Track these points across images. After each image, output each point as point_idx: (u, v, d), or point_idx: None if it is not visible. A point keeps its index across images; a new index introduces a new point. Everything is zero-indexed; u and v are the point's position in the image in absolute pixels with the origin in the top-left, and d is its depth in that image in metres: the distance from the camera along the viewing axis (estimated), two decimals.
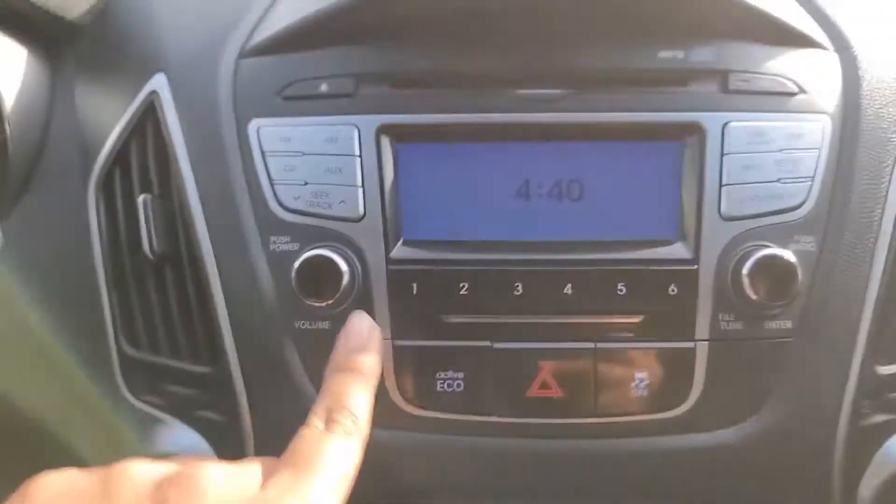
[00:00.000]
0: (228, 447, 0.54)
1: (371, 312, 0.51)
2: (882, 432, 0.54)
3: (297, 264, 0.50)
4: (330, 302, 0.50)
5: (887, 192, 0.52)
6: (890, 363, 0.54)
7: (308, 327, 0.52)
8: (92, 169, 0.57)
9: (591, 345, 0.51)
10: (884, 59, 0.55)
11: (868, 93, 0.53)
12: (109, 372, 0.57)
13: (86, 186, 0.57)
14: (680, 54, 0.53)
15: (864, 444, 0.53)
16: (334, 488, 0.42)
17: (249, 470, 0.42)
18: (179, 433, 0.54)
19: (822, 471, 0.53)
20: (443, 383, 0.52)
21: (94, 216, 0.57)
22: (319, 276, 0.49)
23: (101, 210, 0.57)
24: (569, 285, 0.51)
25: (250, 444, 0.53)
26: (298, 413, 0.51)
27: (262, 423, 0.53)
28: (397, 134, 0.53)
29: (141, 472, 0.40)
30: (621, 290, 0.51)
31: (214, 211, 0.53)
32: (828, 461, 0.53)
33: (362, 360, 0.48)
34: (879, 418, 0.54)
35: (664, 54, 0.53)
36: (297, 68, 0.54)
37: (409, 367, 0.52)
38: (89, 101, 0.60)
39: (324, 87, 0.54)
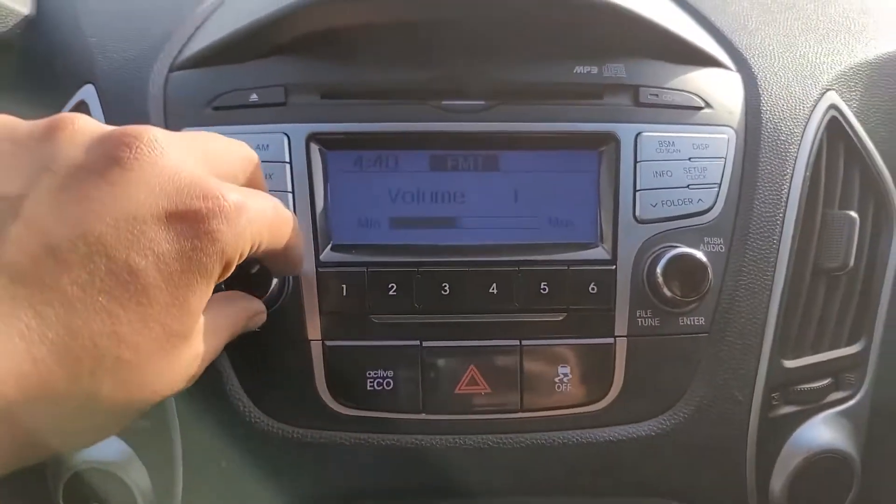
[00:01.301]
0: (156, 454, 0.53)
1: (301, 313, 0.52)
2: (790, 423, 0.57)
3: None
4: (261, 301, 0.50)
5: (787, 197, 0.56)
6: (796, 357, 0.57)
7: None
8: None
9: (516, 342, 0.53)
10: (779, 78, 0.59)
11: (767, 108, 0.58)
12: None
13: None
14: (594, 69, 0.57)
15: (775, 434, 0.57)
16: None
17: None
18: (104, 441, 0.53)
19: (736, 461, 0.56)
20: (373, 382, 0.52)
21: None
22: (248, 277, 0.50)
23: None
24: (494, 285, 0.53)
25: (178, 450, 0.52)
26: (227, 417, 0.51)
27: (189, 428, 0.52)
28: (326, 142, 0.54)
29: (88, 123, 0.39)
30: (544, 290, 0.53)
31: None
32: (742, 451, 0.56)
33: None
34: (787, 410, 0.57)
35: (579, 69, 0.57)
36: (227, 80, 0.56)
37: (339, 366, 0.52)
38: (16, 112, 0.59)
39: (254, 98, 0.55)
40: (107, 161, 0.37)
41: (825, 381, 0.58)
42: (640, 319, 0.53)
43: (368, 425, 0.53)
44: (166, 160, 0.39)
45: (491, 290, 0.53)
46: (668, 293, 0.52)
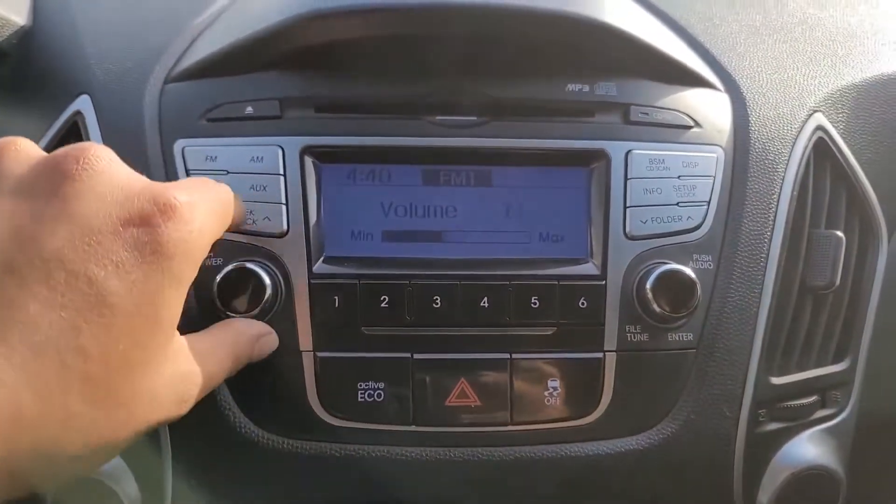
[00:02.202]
0: (146, 463, 0.53)
1: (294, 324, 0.52)
2: (777, 439, 0.58)
3: (219, 276, 0.50)
4: (254, 312, 0.50)
5: (775, 216, 0.57)
6: (782, 374, 0.58)
7: None
8: None
9: (506, 355, 0.53)
10: (767, 99, 0.60)
11: (756, 129, 0.59)
12: None
13: None
14: (586, 88, 0.58)
15: (761, 450, 0.57)
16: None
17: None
18: None
19: (724, 476, 0.56)
20: (364, 394, 0.53)
21: None
22: (241, 287, 0.50)
23: None
24: (485, 299, 0.53)
25: (168, 460, 0.52)
26: (218, 427, 0.51)
27: (180, 439, 0.52)
28: (320, 155, 0.55)
29: (30, 145, 0.40)
30: (535, 304, 0.53)
31: None
32: (729, 467, 0.56)
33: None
34: (774, 426, 0.57)
35: (571, 87, 0.58)
36: (222, 92, 0.56)
37: (330, 378, 0.53)
38: (9, 121, 0.60)
39: (249, 110, 0.55)
40: (56, 176, 0.37)
41: (811, 399, 0.58)
42: (629, 335, 0.54)
43: (359, 437, 0.53)
44: (114, 170, 0.39)
45: (482, 304, 0.53)
46: (657, 309, 0.53)
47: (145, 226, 0.38)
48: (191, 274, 0.40)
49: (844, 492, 0.58)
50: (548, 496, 0.55)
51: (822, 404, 0.59)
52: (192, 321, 0.49)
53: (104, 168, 0.39)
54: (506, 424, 0.53)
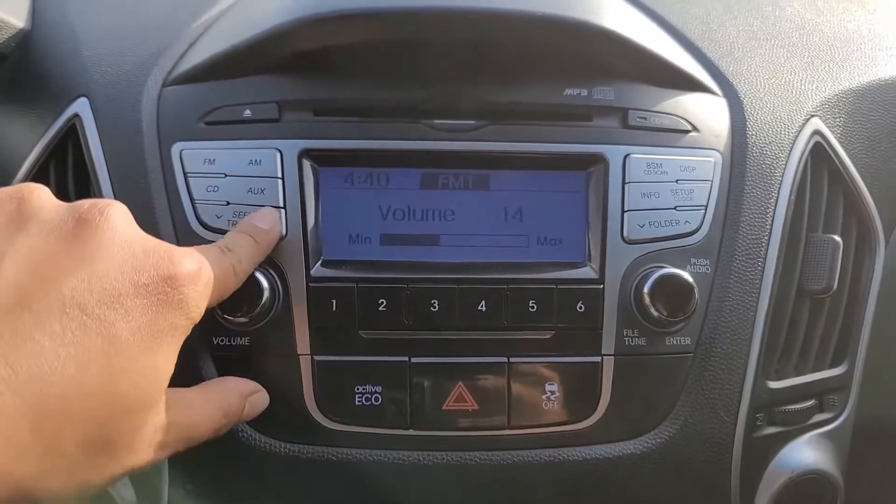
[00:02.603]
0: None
1: (291, 328, 0.52)
2: (775, 443, 0.58)
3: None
4: (252, 315, 0.50)
5: (772, 220, 0.57)
6: (780, 378, 0.58)
7: (226, 343, 0.52)
8: None
9: (504, 359, 0.53)
10: (765, 104, 0.60)
11: (753, 133, 0.59)
12: None
13: None
14: (584, 92, 0.58)
15: (759, 454, 0.57)
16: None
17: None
18: None
19: (721, 480, 0.56)
20: (361, 397, 0.53)
21: None
22: (239, 291, 0.50)
23: None
24: (483, 303, 0.53)
25: (165, 463, 0.52)
26: None
27: None
28: (318, 158, 0.55)
29: (50, 193, 0.42)
30: (532, 308, 0.53)
31: None
32: (726, 471, 0.56)
33: (261, 229, 0.51)
34: (771, 430, 0.58)
35: (570, 91, 0.58)
36: (220, 95, 0.56)
37: (328, 381, 0.53)
38: (7, 123, 0.60)
39: (247, 113, 0.55)
40: (78, 223, 0.40)
41: (809, 403, 0.58)
42: (626, 339, 0.54)
43: (356, 440, 0.53)
44: (131, 227, 0.42)
45: (479, 308, 0.53)
46: (654, 313, 0.53)
47: (156, 279, 0.40)
48: (185, 329, 0.43)
49: (842, 496, 0.58)
50: (545, 500, 0.55)
51: (820, 408, 0.59)
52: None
53: (123, 223, 0.41)
54: (503, 428, 0.53)
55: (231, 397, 0.49)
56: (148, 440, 0.41)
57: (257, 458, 0.51)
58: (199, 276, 0.43)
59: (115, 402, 0.38)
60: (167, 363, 0.41)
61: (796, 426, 0.58)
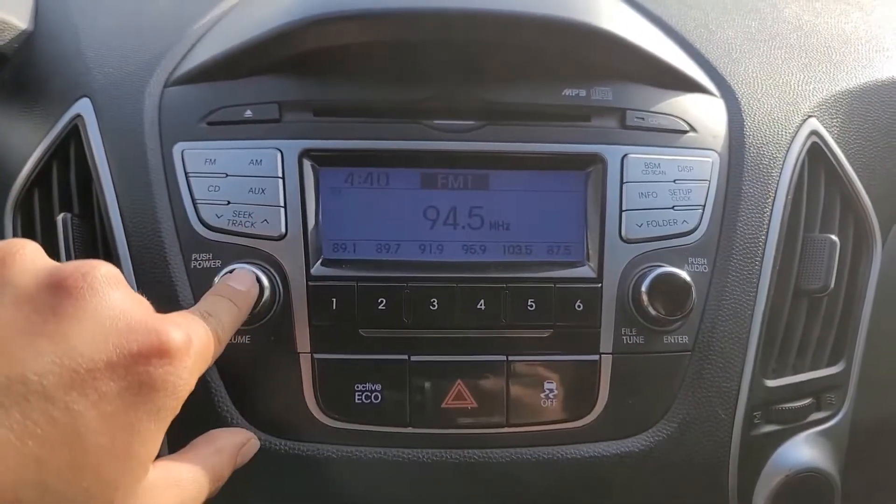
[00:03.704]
0: None
1: (291, 326, 0.53)
2: (772, 442, 0.58)
3: (217, 277, 0.51)
4: (252, 314, 0.51)
5: (769, 220, 0.57)
6: (777, 377, 0.58)
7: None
8: (10, 189, 0.58)
9: (503, 357, 0.54)
10: (762, 104, 0.61)
11: (750, 133, 0.59)
12: None
13: (2, 206, 0.57)
14: (582, 93, 0.58)
15: (756, 453, 0.57)
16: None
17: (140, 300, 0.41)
18: None
19: (719, 478, 0.56)
20: (361, 395, 0.53)
21: (11, 236, 0.57)
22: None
23: (19, 230, 0.57)
24: (482, 301, 0.53)
25: None
26: (215, 427, 0.51)
27: (177, 439, 0.52)
28: (319, 158, 0.55)
29: (38, 252, 0.38)
30: (531, 307, 0.54)
31: (135, 229, 0.54)
32: (724, 469, 0.56)
33: (238, 292, 0.49)
34: (769, 428, 0.58)
35: (568, 92, 0.58)
36: (221, 96, 0.57)
37: (328, 379, 0.53)
38: (9, 124, 0.60)
39: (248, 114, 0.56)
40: (58, 291, 0.36)
41: (806, 401, 0.59)
42: (624, 337, 0.54)
43: (356, 438, 0.53)
44: (118, 295, 0.38)
45: (478, 307, 0.53)
46: (652, 312, 0.53)
47: (138, 360, 0.36)
48: (173, 410, 0.39)
49: (839, 494, 0.58)
50: (543, 498, 0.55)
51: (817, 407, 0.60)
52: None
53: (108, 291, 0.38)
54: (502, 427, 0.53)
55: (223, 460, 0.46)
56: None
57: (257, 456, 0.52)
58: (188, 349, 0.39)
59: (78, 497, 0.35)
60: (147, 448, 0.38)
61: (793, 424, 0.58)
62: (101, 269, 0.38)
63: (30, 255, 0.38)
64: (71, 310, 0.36)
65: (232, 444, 0.48)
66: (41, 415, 0.33)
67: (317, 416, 0.53)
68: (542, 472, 0.54)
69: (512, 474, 0.54)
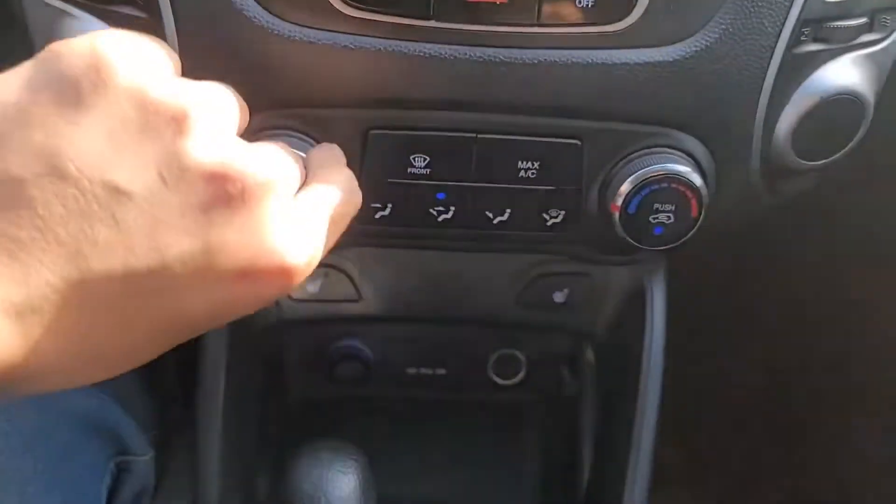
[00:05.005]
0: None
1: None
2: (812, 62, 0.54)
3: None
4: None
5: None
6: None
7: None
8: None
9: None
10: None
11: None
12: None
13: None
14: None
15: (796, 71, 0.54)
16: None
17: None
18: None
19: (750, 96, 0.54)
20: None
21: None
22: None
23: None
24: None
25: (174, 45, 0.49)
26: (228, 14, 0.47)
27: (186, 22, 0.49)
28: None
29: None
30: None
31: None
32: (757, 87, 0.53)
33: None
34: (814, 47, 0.54)
35: None
36: None
37: None
38: None
39: None
40: (218, 194, 0.34)
41: (861, 20, 0.54)
42: None
43: (376, 29, 0.49)
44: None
45: None
46: None
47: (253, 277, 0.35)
48: None
49: (868, 119, 0.57)
50: (567, 103, 0.53)
51: (870, 27, 0.55)
52: None
53: (264, 201, 0.36)
54: (532, 25, 0.49)
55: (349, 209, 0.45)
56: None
57: (272, 43, 0.49)
58: (311, 264, 0.39)
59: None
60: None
61: (841, 45, 0.54)
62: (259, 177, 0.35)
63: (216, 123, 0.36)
64: (222, 218, 0.34)
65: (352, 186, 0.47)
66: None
67: (336, 5, 0.48)
68: (568, 76, 0.50)
69: (537, 77, 0.51)
